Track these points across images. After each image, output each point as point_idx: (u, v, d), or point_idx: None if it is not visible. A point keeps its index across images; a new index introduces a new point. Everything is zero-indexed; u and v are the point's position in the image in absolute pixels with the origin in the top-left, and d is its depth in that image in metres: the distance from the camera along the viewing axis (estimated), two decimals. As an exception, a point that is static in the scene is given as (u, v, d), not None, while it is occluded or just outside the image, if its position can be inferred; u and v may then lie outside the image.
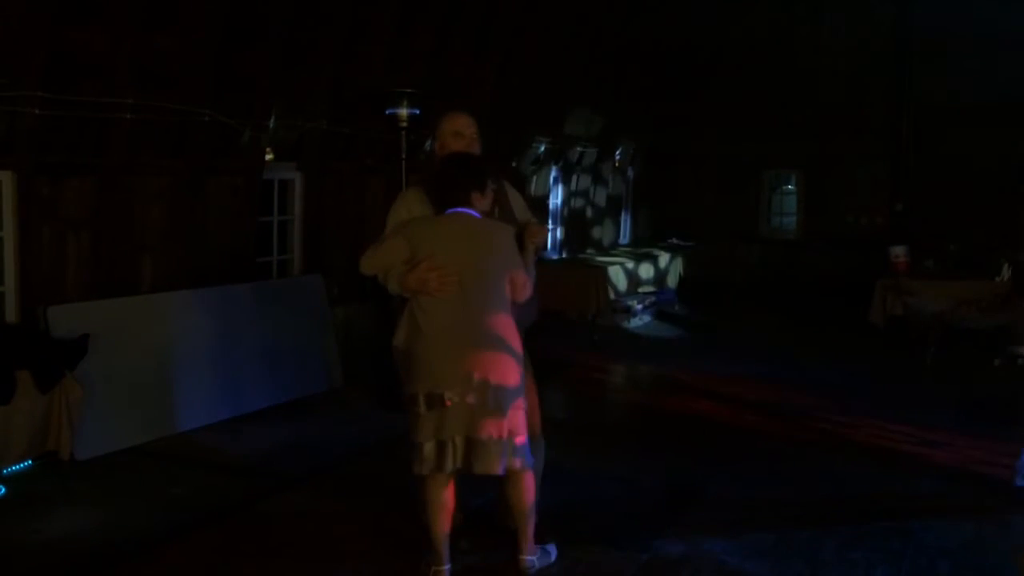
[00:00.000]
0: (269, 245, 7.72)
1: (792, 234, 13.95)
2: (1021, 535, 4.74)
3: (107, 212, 6.14)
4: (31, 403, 5.10)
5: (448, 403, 3.72)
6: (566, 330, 9.77)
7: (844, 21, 12.71)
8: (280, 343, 7.00)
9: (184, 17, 6.02)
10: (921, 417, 6.81)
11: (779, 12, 12.99)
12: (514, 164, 10.25)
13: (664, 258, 12.69)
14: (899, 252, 9.56)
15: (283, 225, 7.85)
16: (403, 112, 6.93)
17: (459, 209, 3.89)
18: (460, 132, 4.15)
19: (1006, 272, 9.08)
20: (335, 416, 6.75)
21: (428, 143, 8.60)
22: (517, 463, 3.82)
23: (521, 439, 3.82)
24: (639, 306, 11.11)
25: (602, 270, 10.48)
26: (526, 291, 3.94)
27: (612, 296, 10.51)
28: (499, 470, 3.77)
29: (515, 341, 3.88)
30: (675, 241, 13.79)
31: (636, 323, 10.96)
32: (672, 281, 12.69)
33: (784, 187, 14.21)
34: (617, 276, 11.10)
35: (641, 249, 13.12)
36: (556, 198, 11.92)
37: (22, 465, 5.19)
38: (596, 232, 12.96)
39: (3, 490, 4.92)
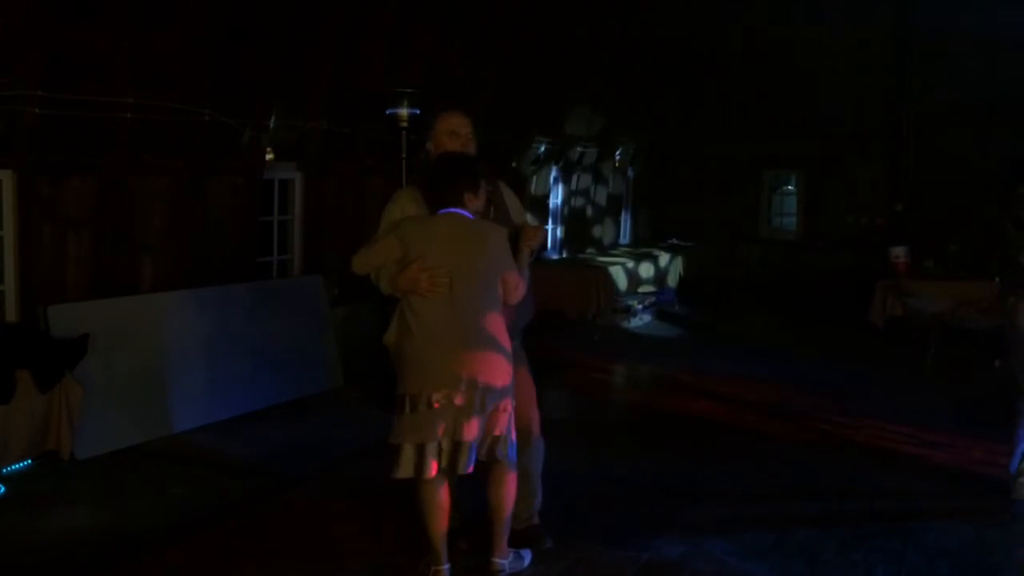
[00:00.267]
0: (269, 245, 7.72)
1: (792, 234, 13.95)
2: (1021, 535, 4.74)
3: (107, 212, 6.14)
4: (31, 403, 5.09)
5: (436, 405, 3.70)
6: (566, 330, 9.78)
7: (844, 21, 12.70)
8: (280, 343, 6.99)
9: (184, 17, 6.02)
10: (921, 417, 6.82)
11: (779, 12, 12.99)
12: (514, 164, 10.25)
13: (664, 258, 12.69)
14: (899, 252, 9.56)
15: (283, 225, 7.85)
16: (403, 112, 6.93)
17: (452, 209, 3.87)
18: (455, 131, 4.14)
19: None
20: (335, 416, 6.75)
21: (427, 143, 8.61)
22: (499, 453, 3.79)
23: (505, 435, 3.79)
24: (639, 306, 11.11)
25: (602, 270, 10.48)
26: (518, 293, 3.92)
27: (612, 296, 10.51)
28: (465, 469, 3.74)
29: (505, 342, 3.85)
30: (675, 241, 13.79)
31: (636, 323, 10.97)
32: (672, 281, 12.69)
33: (784, 187, 14.21)
34: (617, 276, 11.09)
35: (641, 249, 13.12)
36: (556, 198, 11.93)
37: (22, 464, 5.19)
38: (596, 232, 12.97)
39: (3, 489, 4.91)
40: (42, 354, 5.26)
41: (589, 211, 12.71)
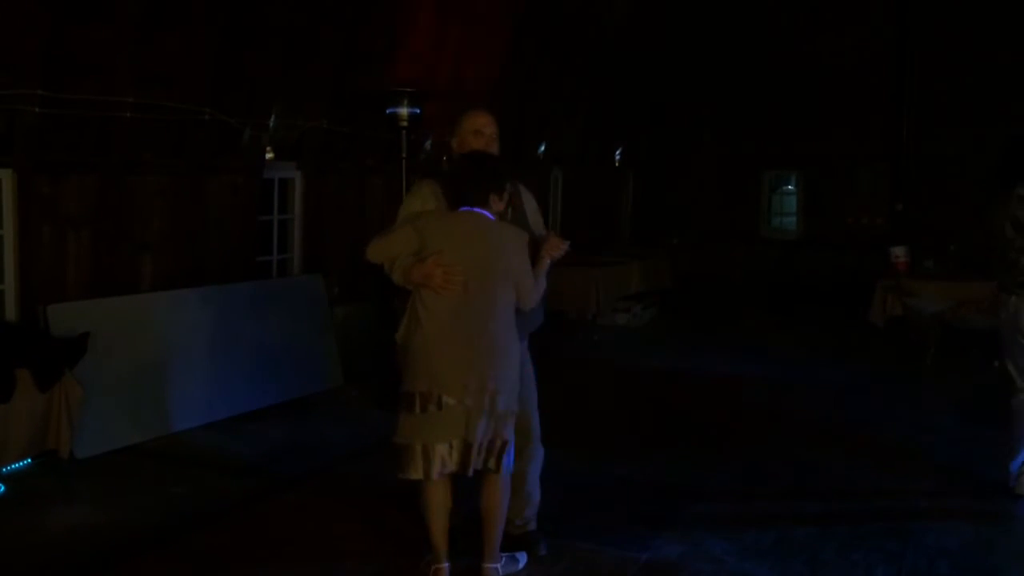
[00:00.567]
0: (269, 244, 7.72)
1: (792, 234, 13.93)
2: (1021, 535, 4.74)
3: (107, 211, 6.13)
4: (31, 401, 5.09)
5: (446, 406, 3.69)
6: (566, 330, 9.77)
7: (844, 21, 12.70)
8: (280, 342, 6.99)
9: (184, 17, 6.02)
10: (921, 417, 6.82)
11: (779, 12, 12.98)
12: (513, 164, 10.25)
13: (664, 258, 12.68)
14: (899, 252, 9.54)
15: (283, 224, 7.85)
16: (403, 112, 6.93)
17: (474, 208, 3.85)
18: (480, 131, 4.11)
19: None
20: (335, 416, 6.75)
21: (427, 142, 8.62)
22: (493, 464, 3.78)
23: (506, 443, 3.79)
24: (639, 306, 11.10)
25: (602, 270, 10.47)
26: (532, 300, 3.90)
27: (612, 296, 10.50)
28: (471, 472, 3.76)
29: (515, 347, 3.85)
30: (675, 241, 13.78)
31: (636, 323, 10.96)
32: (672, 281, 12.68)
33: (784, 187, 14.20)
34: (617, 276, 11.08)
35: (641, 248, 13.10)
36: (556, 198, 11.92)
37: (21, 463, 5.19)
38: (596, 231, 12.95)
39: (2, 488, 4.91)
40: (42, 353, 5.26)
41: (588, 211, 12.70)
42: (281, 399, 6.89)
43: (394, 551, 4.24)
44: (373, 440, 6.08)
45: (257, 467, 5.63)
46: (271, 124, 7.05)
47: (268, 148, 7.27)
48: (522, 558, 4.12)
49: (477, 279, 3.76)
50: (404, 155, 7.04)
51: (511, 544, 4.11)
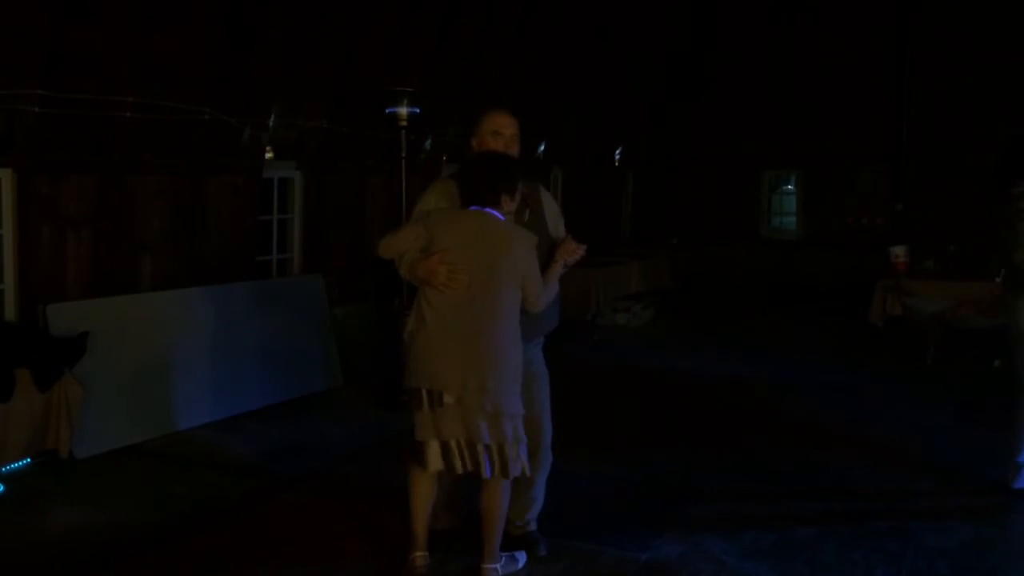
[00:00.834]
0: (269, 244, 7.72)
1: (792, 234, 13.93)
2: (1021, 535, 4.74)
3: (107, 210, 6.13)
4: (30, 401, 5.09)
5: (447, 403, 3.71)
6: (566, 330, 9.75)
7: (844, 21, 12.70)
8: (280, 342, 6.99)
9: (184, 16, 6.02)
10: (921, 417, 6.82)
11: (779, 12, 12.98)
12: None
13: (664, 258, 12.67)
14: (899, 252, 9.54)
15: (283, 224, 7.85)
16: (403, 111, 6.91)
17: (485, 208, 3.83)
18: (499, 131, 4.07)
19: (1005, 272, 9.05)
20: (334, 415, 6.75)
21: (427, 142, 8.62)
22: (497, 469, 3.78)
23: (507, 447, 3.78)
24: (639, 305, 11.10)
25: (602, 270, 10.46)
26: (538, 302, 3.87)
27: (612, 296, 10.50)
28: (487, 473, 3.77)
29: (517, 351, 3.82)
30: (675, 241, 13.78)
31: (636, 322, 10.96)
32: (672, 281, 12.68)
33: (784, 187, 14.20)
34: (617, 276, 11.08)
35: (641, 248, 13.10)
36: (556, 197, 11.90)
37: (21, 463, 5.18)
38: (596, 232, 12.94)
39: (2, 488, 4.91)
40: (41, 353, 5.26)
41: (588, 211, 12.69)
42: (281, 399, 6.89)
43: (394, 551, 4.23)
44: (373, 440, 6.08)
45: (257, 467, 5.62)
46: (271, 124, 7.05)
47: (268, 148, 7.27)
48: (521, 558, 4.11)
49: (481, 278, 3.74)
50: (404, 155, 7.04)
51: (511, 544, 4.11)
